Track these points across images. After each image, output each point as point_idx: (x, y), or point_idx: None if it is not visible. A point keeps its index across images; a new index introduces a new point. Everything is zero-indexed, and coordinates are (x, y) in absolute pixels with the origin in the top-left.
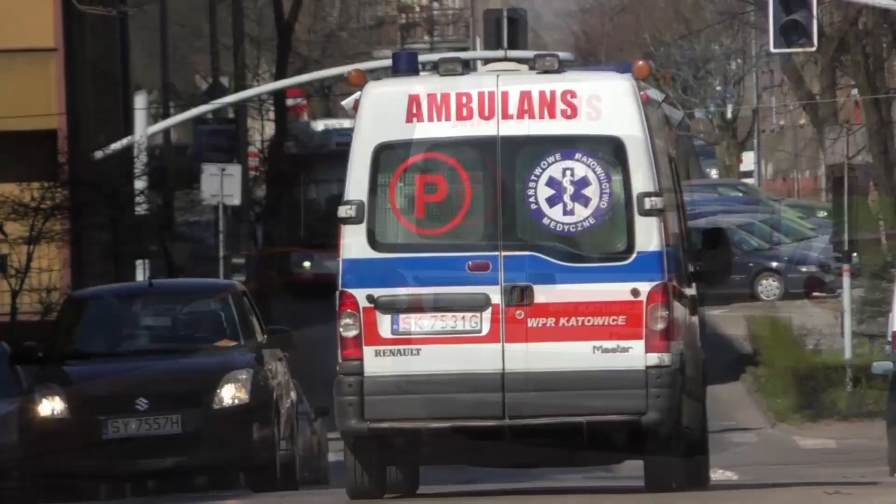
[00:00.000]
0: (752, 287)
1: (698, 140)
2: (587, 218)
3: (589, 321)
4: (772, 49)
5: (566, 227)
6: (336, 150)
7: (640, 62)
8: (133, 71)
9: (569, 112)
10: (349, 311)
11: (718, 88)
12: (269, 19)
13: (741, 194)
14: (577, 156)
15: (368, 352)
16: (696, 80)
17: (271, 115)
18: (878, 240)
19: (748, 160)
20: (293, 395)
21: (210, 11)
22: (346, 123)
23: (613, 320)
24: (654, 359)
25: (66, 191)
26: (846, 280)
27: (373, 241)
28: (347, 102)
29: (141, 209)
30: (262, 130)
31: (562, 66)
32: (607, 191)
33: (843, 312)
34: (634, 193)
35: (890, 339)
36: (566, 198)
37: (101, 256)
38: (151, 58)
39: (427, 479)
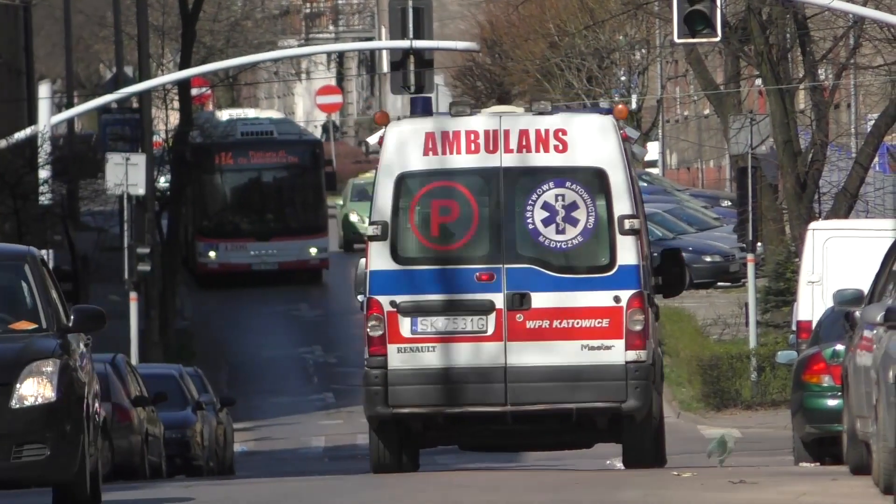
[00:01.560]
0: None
1: None
2: (576, 236)
3: (577, 323)
4: (676, 39)
5: (558, 244)
6: (240, 140)
7: (620, 106)
8: (37, 60)
9: (560, 147)
10: (375, 314)
11: (623, 79)
12: (174, 9)
13: (646, 184)
14: (568, 184)
15: (392, 349)
16: (600, 70)
17: (176, 104)
18: (782, 229)
19: (652, 150)
20: (96, 387)
21: (114, 1)
22: (251, 113)
23: (598, 322)
24: (632, 355)
25: None
26: (751, 269)
27: (395, 256)
28: (373, 138)
29: (45, 199)
30: (166, 120)
31: (554, 109)
32: (593, 213)
33: (747, 302)
34: (616, 216)
35: (794, 328)
36: (558, 219)
37: None
38: (55, 47)
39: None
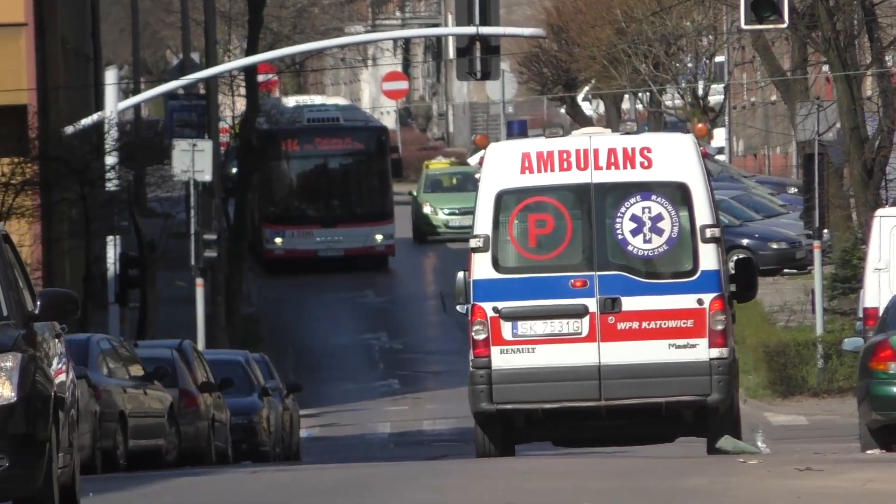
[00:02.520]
0: None
1: (669, 116)
2: (662, 245)
3: (664, 324)
4: (743, 25)
5: (646, 252)
6: (307, 127)
7: (700, 125)
8: (104, 46)
9: (646, 164)
10: (479, 319)
11: (690, 65)
12: None
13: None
14: (653, 197)
15: (495, 350)
16: (667, 57)
17: (242, 90)
18: (848, 216)
19: (719, 137)
20: (71, 377)
21: None
22: (317, 99)
23: (683, 323)
24: (715, 352)
25: (36, 166)
26: (817, 256)
27: (496, 266)
28: (474, 159)
29: (111, 185)
30: (233, 106)
31: (639, 129)
32: (677, 224)
33: (813, 289)
34: (698, 225)
35: (861, 315)
36: (645, 229)
37: (71, 232)
38: (122, 33)
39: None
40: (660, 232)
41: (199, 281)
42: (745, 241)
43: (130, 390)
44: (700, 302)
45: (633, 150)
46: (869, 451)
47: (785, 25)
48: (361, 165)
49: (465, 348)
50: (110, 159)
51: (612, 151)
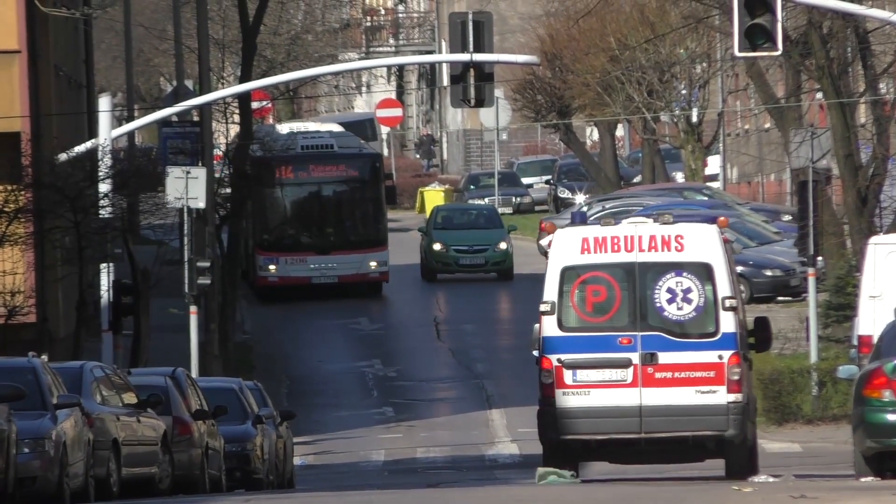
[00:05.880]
0: None
1: (664, 144)
2: (691, 311)
3: (692, 374)
4: (736, 53)
5: (678, 317)
6: (301, 154)
7: (722, 218)
8: (97, 73)
9: (679, 248)
10: (547, 368)
11: (684, 92)
12: (234, 22)
13: (706, 198)
14: (684, 274)
15: (559, 392)
16: (661, 84)
17: (236, 117)
18: (843, 243)
19: (713, 164)
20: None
21: (174, 14)
22: (310, 126)
23: (707, 374)
24: (732, 397)
25: (29, 194)
26: (811, 284)
27: (560, 325)
28: (544, 242)
29: (105, 212)
30: (226, 133)
31: (675, 220)
32: (703, 295)
33: (808, 316)
34: (720, 297)
35: (855, 342)
36: (678, 299)
37: (64, 259)
38: (115, 60)
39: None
40: (689, 301)
41: (193, 308)
42: (739, 269)
43: (124, 418)
44: (720, 357)
45: (669, 236)
46: (863, 479)
47: (779, 53)
48: (355, 192)
49: (458, 375)
50: (104, 186)
51: (652, 238)
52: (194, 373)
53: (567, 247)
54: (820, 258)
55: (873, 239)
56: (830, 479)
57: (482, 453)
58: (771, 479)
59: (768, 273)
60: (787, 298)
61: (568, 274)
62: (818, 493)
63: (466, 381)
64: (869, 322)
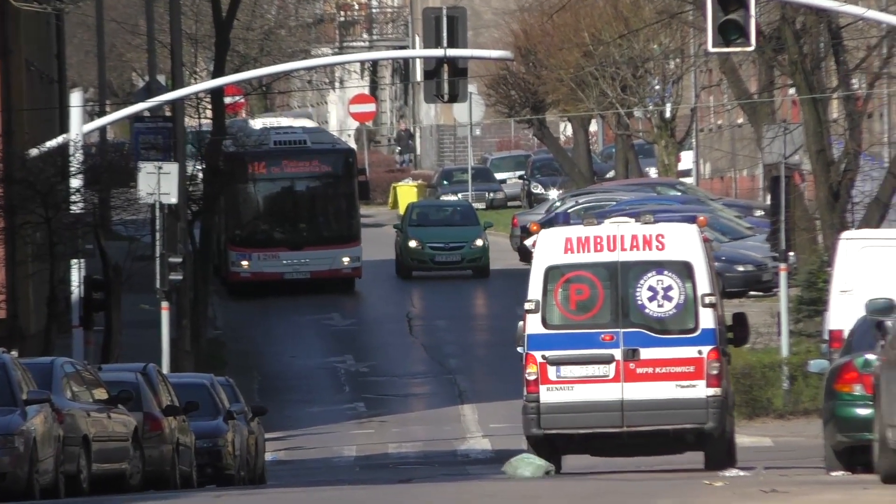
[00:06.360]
0: None
1: (637, 139)
2: (671, 308)
3: (672, 369)
4: (710, 48)
5: (659, 314)
6: (273, 149)
7: (701, 217)
8: (69, 68)
9: (660, 247)
10: (532, 364)
11: (657, 87)
12: (207, 16)
13: (679, 193)
14: (665, 272)
15: (543, 388)
16: (634, 80)
17: (209, 113)
18: (814, 239)
19: (686, 159)
20: None
21: (147, 8)
22: (283, 122)
23: (687, 369)
24: (711, 391)
25: (0, 189)
26: (783, 279)
27: (545, 323)
28: (529, 241)
29: (76, 208)
30: (199, 128)
31: (655, 220)
32: (683, 293)
33: (779, 311)
34: (699, 294)
35: (826, 337)
36: (659, 297)
37: (35, 255)
38: (87, 55)
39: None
40: (670, 299)
41: (165, 304)
42: None
43: (94, 414)
44: (700, 352)
45: (650, 236)
46: (834, 473)
47: (752, 48)
48: (328, 188)
49: (430, 370)
50: (75, 182)
51: (634, 237)
52: (165, 369)
53: (551, 247)
54: (792, 253)
55: (845, 234)
56: (801, 473)
57: (454, 448)
58: (742, 474)
59: (740, 268)
60: (758, 293)
61: (552, 273)
62: (789, 487)
63: (439, 376)
64: (840, 317)
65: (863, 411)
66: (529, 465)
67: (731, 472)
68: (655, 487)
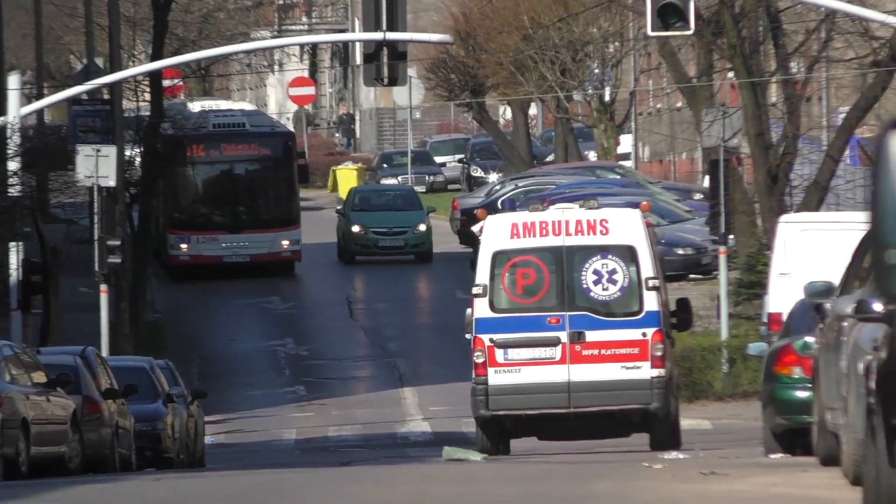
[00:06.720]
0: None
1: (576, 123)
2: (616, 292)
3: (617, 351)
4: (649, 32)
5: (604, 297)
6: (212, 132)
7: (644, 202)
8: (6, 51)
9: (604, 231)
10: (479, 347)
11: (596, 71)
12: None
13: (619, 177)
14: (610, 256)
15: (491, 371)
16: (574, 63)
17: (147, 96)
18: (753, 222)
19: (626, 143)
20: None
21: None
22: (222, 105)
23: (632, 351)
24: (655, 372)
25: None
26: (722, 262)
27: (492, 307)
28: (476, 228)
29: (14, 191)
30: (137, 111)
31: (599, 206)
32: (627, 276)
33: (719, 294)
34: (643, 277)
35: (765, 320)
36: (604, 280)
37: None
38: (25, 38)
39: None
40: (614, 282)
41: (103, 287)
42: None
43: (33, 397)
44: (644, 335)
45: (594, 220)
46: (773, 455)
47: (691, 32)
48: (268, 171)
49: (370, 353)
50: (13, 165)
51: (578, 222)
52: (104, 352)
53: (498, 232)
54: (731, 236)
55: (784, 217)
56: (740, 455)
57: (394, 431)
58: (681, 456)
59: (680, 251)
60: (698, 276)
61: (499, 258)
62: (728, 469)
63: (379, 359)
64: (779, 300)
65: (802, 394)
66: (466, 451)
67: (671, 455)
68: (595, 470)
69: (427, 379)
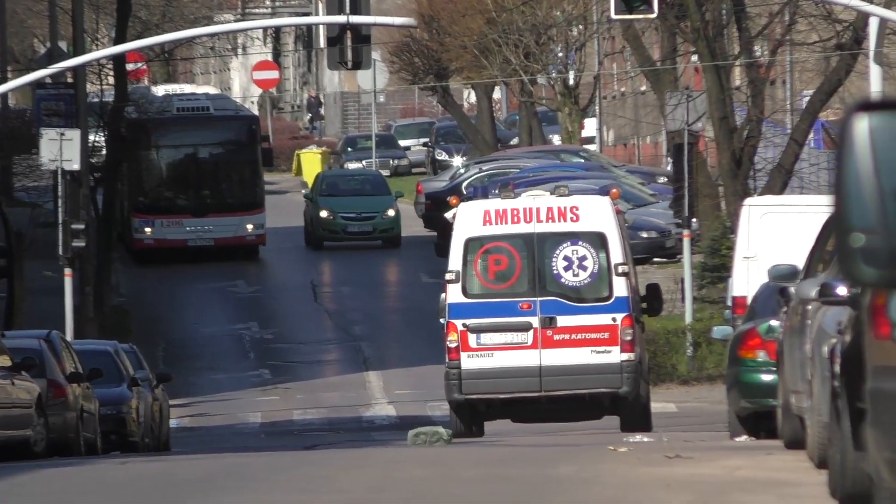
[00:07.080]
0: None
1: (541, 106)
2: (586, 277)
3: (588, 336)
4: (613, 15)
5: (574, 283)
6: (176, 116)
7: (614, 190)
8: None
9: (574, 218)
10: (453, 332)
11: (560, 55)
12: None
13: (583, 160)
14: (580, 243)
15: (464, 355)
16: (538, 47)
17: (111, 79)
18: (717, 205)
19: (590, 126)
20: None
21: None
22: (186, 88)
23: (602, 335)
24: (625, 356)
25: None
26: (686, 245)
27: (465, 293)
28: (449, 215)
29: None
30: (101, 95)
31: (570, 193)
32: (597, 262)
33: (683, 278)
34: (613, 264)
35: (730, 303)
36: (574, 266)
37: None
38: None
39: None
40: (585, 268)
41: (68, 271)
42: None
43: None
44: (614, 320)
45: (565, 208)
46: (737, 439)
47: (654, 16)
48: (232, 155)
49: (335, 337)
50: None
51: (549, 209)
52: (69, 336)
53: (470, 219)
54: (695, 220)
55: (748, 200)
56: (705, 438)
57: (359, 415)
58: (646, 439)
59: (644, 235)
60: (662, 260)
61: (471, 244)
62: (693, 452)
63: (344, 343)
64: (743, 283)
65: (766, 377)
66: (434, 433)
67: (636, 438)
68: (560, 454)
69: (392, 363)
